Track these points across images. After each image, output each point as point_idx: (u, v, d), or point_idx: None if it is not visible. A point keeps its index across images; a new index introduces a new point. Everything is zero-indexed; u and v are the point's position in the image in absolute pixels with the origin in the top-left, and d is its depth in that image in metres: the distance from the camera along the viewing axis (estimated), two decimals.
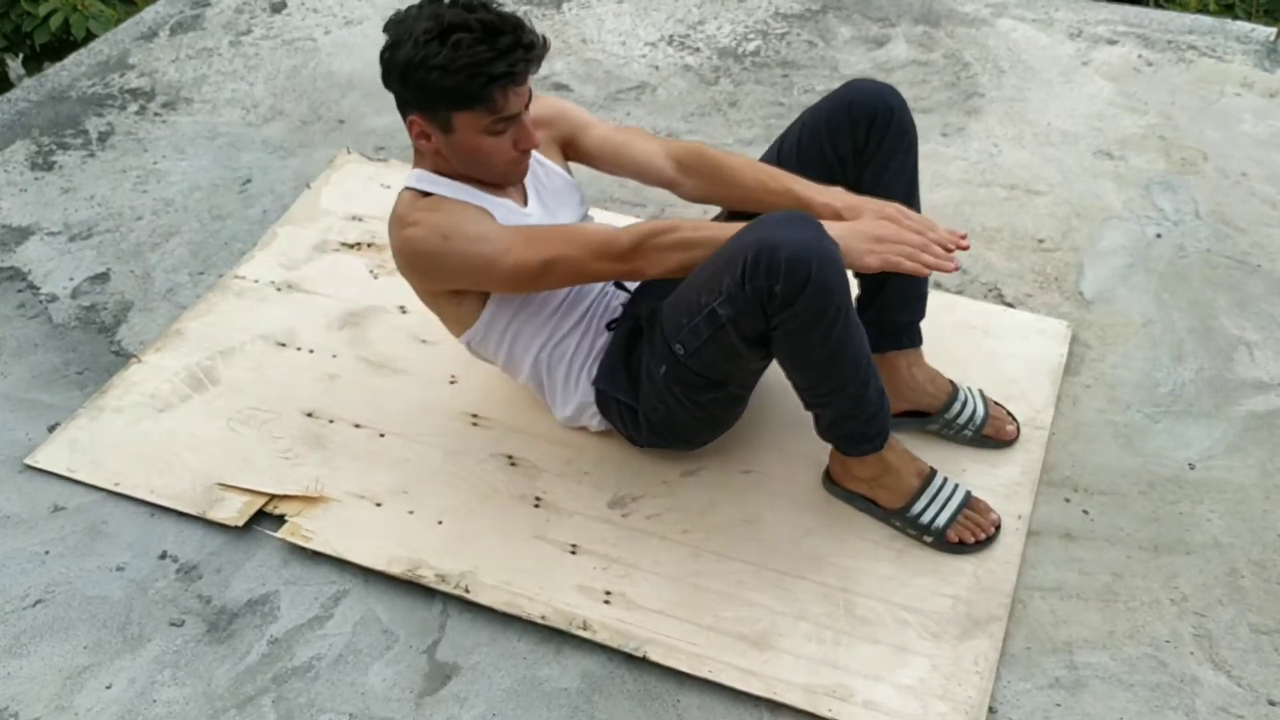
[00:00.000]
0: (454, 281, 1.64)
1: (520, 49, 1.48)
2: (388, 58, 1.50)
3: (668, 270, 1.51)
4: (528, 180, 1.68)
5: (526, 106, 1.55)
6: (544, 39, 1.52)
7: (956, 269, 1.45)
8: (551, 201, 1.70)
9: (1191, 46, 2.78)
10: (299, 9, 3.04)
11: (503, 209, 1.61)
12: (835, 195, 1.56)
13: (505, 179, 1.62)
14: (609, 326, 1.69)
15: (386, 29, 1.51)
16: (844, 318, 1.42)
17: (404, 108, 1.55)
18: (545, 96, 1.77)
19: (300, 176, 2.41)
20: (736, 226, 1.45)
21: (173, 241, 2.25)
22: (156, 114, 2.64)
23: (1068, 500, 1.70)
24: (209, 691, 1.49)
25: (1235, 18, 3.19)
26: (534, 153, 1.68)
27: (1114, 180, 2.36)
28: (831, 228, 1.43)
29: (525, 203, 1.67)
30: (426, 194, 1.60)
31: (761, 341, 1.46)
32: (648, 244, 1.49)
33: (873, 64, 2.75)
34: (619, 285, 1.73)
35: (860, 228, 1.46)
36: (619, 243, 1.51)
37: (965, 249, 1.47)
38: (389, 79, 1.53)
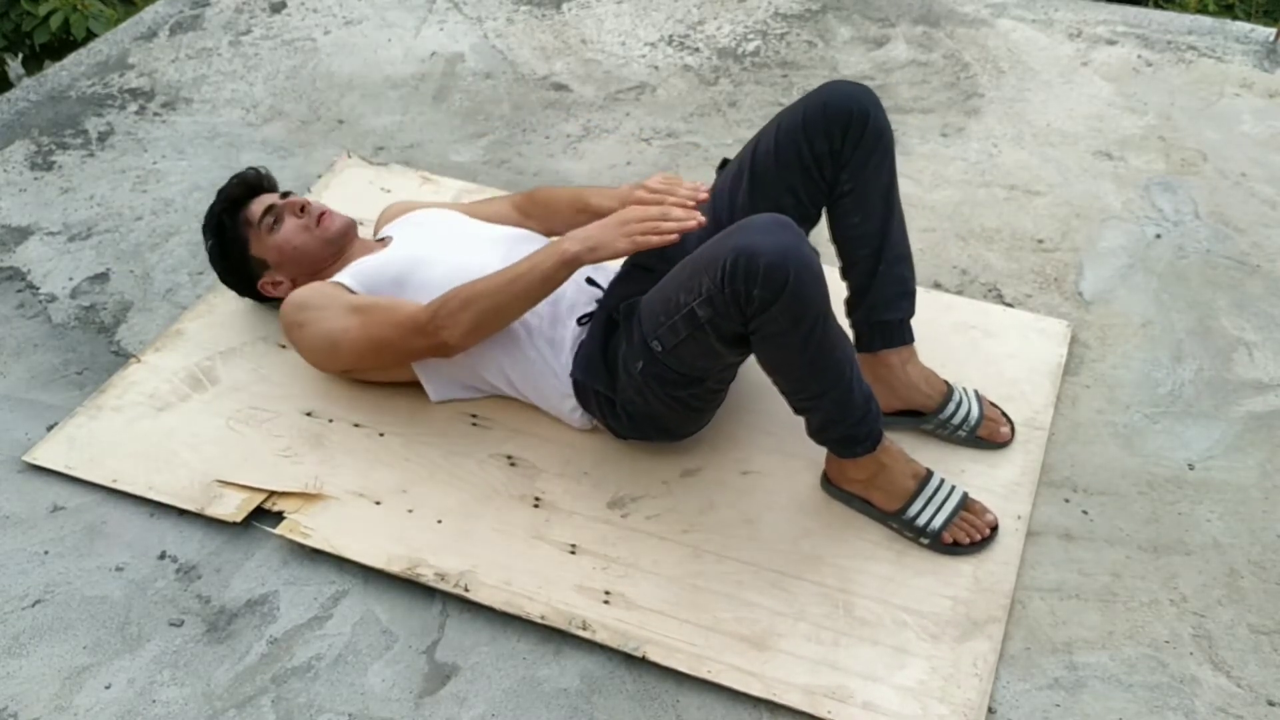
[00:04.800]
0: (325, 361, 1.81)
1: (235, 181, 1.88)
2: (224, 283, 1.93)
3: (469, 329, 1.62)
4: (389, 232, 1.89)
5: (283, 196, 1.88)
6: (261, 170, 1.92)
7: (700, 225, 1.52)
8: (419, 229, 1.87)
9: (1191, 47, 2.78)
10: (299, 9, 3.04)
11: (352, 268, 1.80)
12: (612, 194, 1.74)
13: (325, 242, 1.84)
14: (580, 321, 1.71)
15: None
16: (822, 323, 1.43)
17: (251, 293, 1.92)
18: (392, 205, 2.03)
19: (300, 177, 2.41)
20: (509, 267, 1.60)
21: (172, 241, 2.25)
22: (156, 114, 2.64)
23: (1067, 501, 1.70)
24: (208, 691, 1.49)
25: (1235, 18, 3.20)
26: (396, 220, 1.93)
27: (1113, 181, 2.36)
28: (586, 227, 1.56)
29: (386, 245, 1.85)
30: None
31: (739, 341, 1.48)
32: (440, 314, 1.62)
33: (872, 64, 2.75)
34: (590, 282, 1.76)
35: (607, 221, 1.56)
36: (420, 319, 1.64)
37: (704, 199, 1.60)
38: (236, 289, 1.94)
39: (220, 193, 1.88)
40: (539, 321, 1.70)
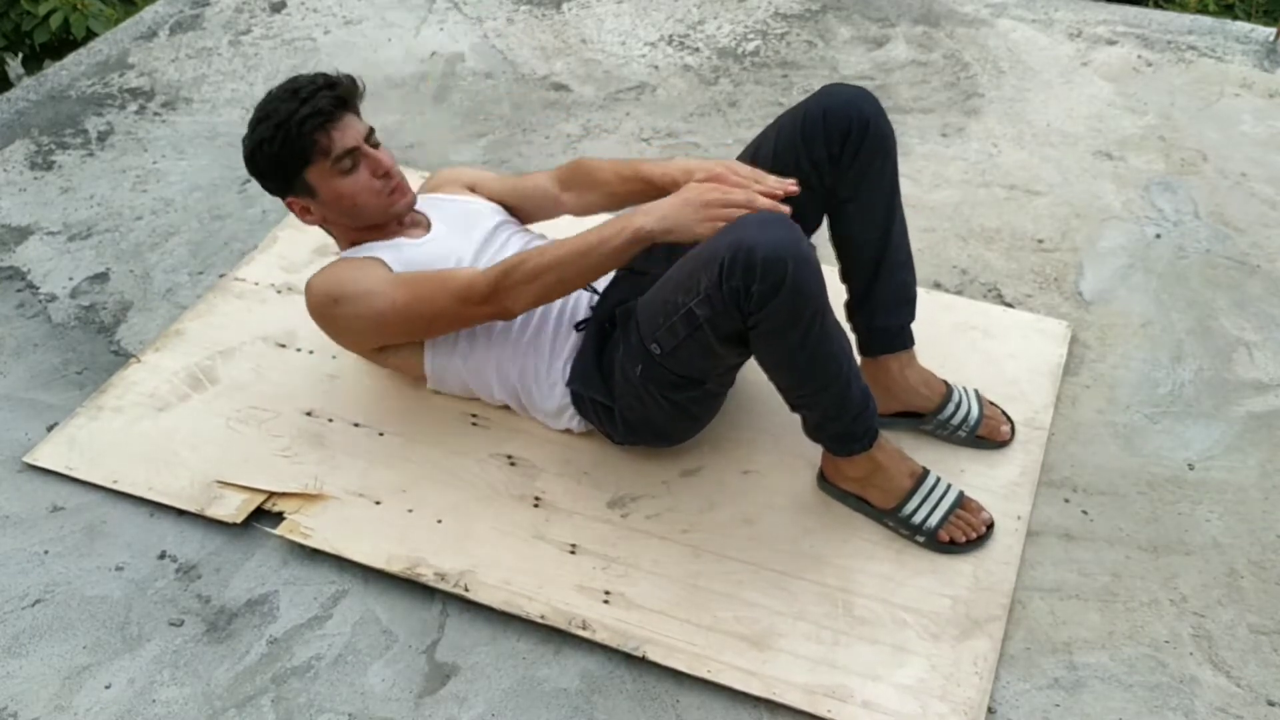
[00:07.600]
0: (363, 339, 1.73)
1: (323, 90, 1.60)
2: (246, 164, 1.66)
3: (531, 300, 1.57)
4: (430, 211, 1.78)
5: (369, 140, 1.65)
6: (350, 78, 1.64)
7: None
8: (458, 223, 1.77)
9: (1191, 47, 2.78)
10: (299, 9, 3.04)
11: (394, 249, 1.69)
12: (672, 166, 1.62)
13: (386, 213, 1.69)
14: (577, 327, 1.70)
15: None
16: (821, 318, 1.42)
17: (279, 195, 1.69)
18: (442, 170, 1.94)
19: None
20: (577, 238, 1.52)
21: (172, 241, 2.25)
22: (156, 114, 2.64)
23: (1067, 501, 1.70)
24: (208, 691, 1.49)
25: (1235, 18, 3.20)
26: (440, 195, 1.82)
27: (1113, 181, 2.36)
28: (660, 204, 1.48)
29: (428, 230, 1.75)
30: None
31: (739, 340, 1.47)
32: (504, 283, 1.56)
33: (872, 64, 2.75)
34: (587, 287, 1.74)
35: (688, 197, 1.47)
36: (479, 287, 1.58)
37: (794, 193, 1.49)
38: (260, 180, 1.67)
39: (308, 88, 1.59)
40: (537, 330, 1.70)
